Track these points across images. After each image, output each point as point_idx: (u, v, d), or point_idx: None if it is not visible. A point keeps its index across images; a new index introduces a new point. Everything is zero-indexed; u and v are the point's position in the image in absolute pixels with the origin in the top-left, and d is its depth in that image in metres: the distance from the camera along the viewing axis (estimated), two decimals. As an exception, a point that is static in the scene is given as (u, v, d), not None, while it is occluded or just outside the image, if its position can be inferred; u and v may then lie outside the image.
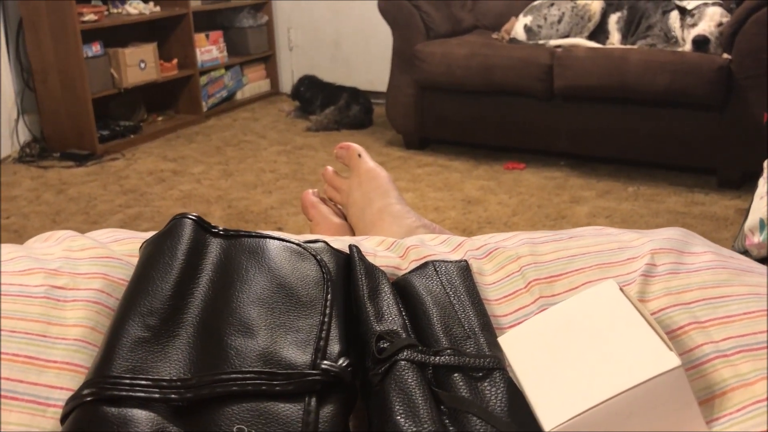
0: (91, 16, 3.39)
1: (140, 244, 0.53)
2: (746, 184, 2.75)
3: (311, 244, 0.53)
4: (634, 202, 2.73)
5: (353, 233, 0.96)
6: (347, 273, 0.53)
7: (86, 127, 3.40)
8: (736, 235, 1.76)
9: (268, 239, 0.52)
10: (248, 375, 0.40)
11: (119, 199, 2.89)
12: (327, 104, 3.93)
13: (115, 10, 3.70)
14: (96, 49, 3.44)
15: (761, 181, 1.51)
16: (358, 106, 3.88)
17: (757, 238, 1.39)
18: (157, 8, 3.84)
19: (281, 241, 0.52)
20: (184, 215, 0.52)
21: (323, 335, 0.44)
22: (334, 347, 0.44)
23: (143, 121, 3.88)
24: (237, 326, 0.44)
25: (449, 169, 3.15)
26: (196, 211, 2.74)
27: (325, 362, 0.42)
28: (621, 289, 0.41)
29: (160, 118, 3.97)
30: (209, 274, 0.47)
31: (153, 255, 0.48)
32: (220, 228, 0.52)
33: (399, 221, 0.90)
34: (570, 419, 0.36)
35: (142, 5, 3.75)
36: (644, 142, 2.88)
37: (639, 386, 0.35)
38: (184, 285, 0.46)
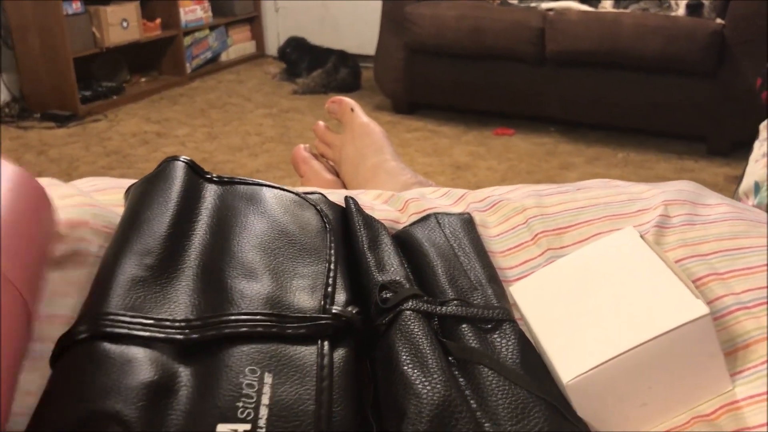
0: (71, -28, 3.28)
1: (125, 191, 0.50)
2: (735, 152, 2.75)
3: (308, 195, 0.51)
4: (624, 168, 2.71)
5: (345, 189, 0.93)
6: (346, 224, 0.50)
7: (67, 87, 3.32)
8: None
9: (264, 187, 0.49)
10: (257, 317, 0.37)
11: (102, 161, 2.84)
12: (314, 67, 3.87)
13: (96, -33, 3.59)
14: (76, 6, 3.34)
15: (756, 144, 1.49)
16: (346, 69, 3.82)
17: (751, 201, 1.38)
18: (140, -35, 3.73)
19: (278, 189, 0.50)
20: (175, 157, 0.49)
21: (330, 282, 0.42)
22: (341, 296, 0.42)
23: (126, 82, 3.79)
24: (240, 269, 0.41)
25: (438, 134, 3.11)
26: (181, 173, 2.69)
27: (336, 307, 0.40)
28: (642, 236, 0.39)
29: (143, 79, 3.88)
30: (206, 218, 0.44)
31: (146, 195, 0.45)
32: (214, 174, 0.49)
33: (394, 178, 0.87)
34: (589, 370, 0.34)
35: (123, -38, 3.64)
36: (635, 109, 2.86)
37: (665, 335, 0.33)
38: (181, 227, 0.43)
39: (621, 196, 0.53)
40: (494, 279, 0.45)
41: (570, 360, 0.34)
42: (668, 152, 2.85)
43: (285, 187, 0.50)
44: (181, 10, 3.91)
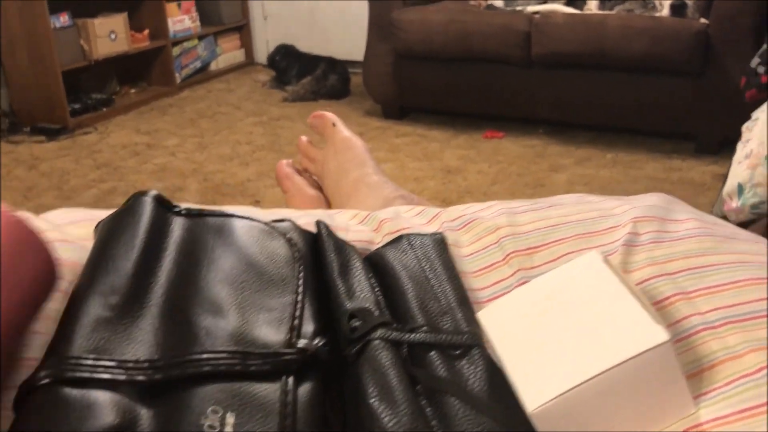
0: (57, -14, 3.28)
1: (95, 226, 0.50)
2: (723, 150, 2.76)
3: (278, 224, 0.51)
4: (613, 168, 2.72)
5: (329, 205, 0.93)
6: (316, 252, 0.50)
7: (57, 101, 3.32)
8: (714, 200, 1.75)
9: (233, 218, 0.49)
10: (221, 355, 0.38)
11: (92, 174, 2.83)
12: (303, 74, 3.87)
13: (82, -21, 3.59)
14: (64, 20, 3.34)
15: (739, 146, 1.50)
16: (335, 75, 3.82)
17: (735, 203, 1.38)
18: (127, -23, 3.73)
19: (247, 220, 0.50)
20: (143, 192, 0.49)
21: (297, 314, 0.42)
22: (309, 327, 0.42)
23: (115, 93, 3.79)
24: (206, 306, 0.41)
25: (428, 139, 3.12)
26: (172, 184, 2.69)
27: (302, 341, 0.40)
28: (605, 260, 0.39)
29: (132, 91, 3.88)
30: (173, 254, 0.44)
31: (112, 232, 0.45)
32: (182, 207, 0.50)
33: (376, 192, 0.87)
34: (553, 399, 0.34)
35: (110, -26, 3.64)
36: (623, 109, 2.87)
37: (626, 362, 0.33)
38: (148, 264, 0.43)
39: (592, 213, 0.53)
40: (464, 302, 0.46)
41: (534, 388, 0.35)
42: (657, 152, 2.86)
43: (254, 217, 0.51)
44: (169, 21, 3.91)
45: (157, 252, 0.44)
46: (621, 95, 2.84)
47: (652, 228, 0.49)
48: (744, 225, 1.45)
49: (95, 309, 0.39)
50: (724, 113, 2.66)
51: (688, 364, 0.39)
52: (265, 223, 0.50)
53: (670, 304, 0.43)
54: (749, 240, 0.49)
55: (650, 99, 2.80)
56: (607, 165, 2.76)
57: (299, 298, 0.43)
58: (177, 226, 0.47)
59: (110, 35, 3.54)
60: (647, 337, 0.34)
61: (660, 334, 0.34)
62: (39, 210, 2.02)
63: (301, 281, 0.44)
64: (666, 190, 2.49)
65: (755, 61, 2.00)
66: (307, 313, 0.42)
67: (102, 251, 0.43)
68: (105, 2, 3.65)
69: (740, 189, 1.33)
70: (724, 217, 1.43)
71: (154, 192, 0.49)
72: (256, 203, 2.49)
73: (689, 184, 2.56)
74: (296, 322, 0.41)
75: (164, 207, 0.49)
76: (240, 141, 3.18)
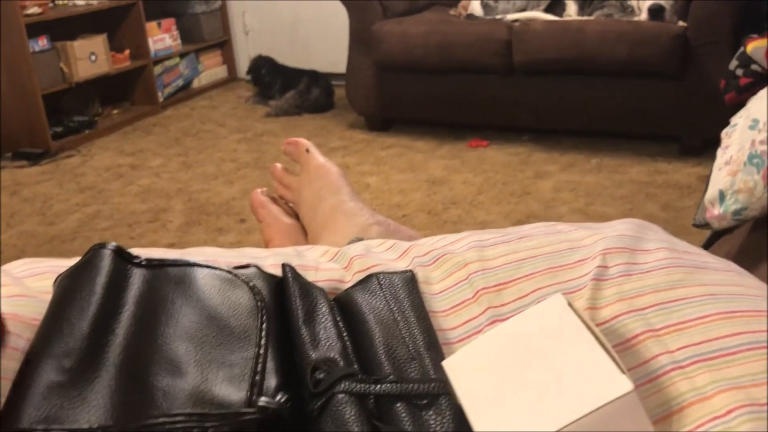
0: (34, 9, 3.27)
1: (54, 280, 0.49)
2: (708, 151, 2.77)
3: (242, 270, 0.50)
4: (598, 174, 2.73)
5: (305, 233, 0.92)
6: (282, 298, 0.49)
7: (38, 125, 3.30)
8: (698, 205, 1.75)
9: (195, 267, 0.48)
10: (177, 418, 0.37)
11: (76, 198, 2.81)
12: (287, 88, 3.87)
13: (60, 2, 3.57)
14: (43, 43, 3.32)
15: (719, 152, 1.51)
16: (318, 89, 3.82)
17: (717, 210, 1.39)
18: (105, -2, 3.72)
19: (209, 269, 0.49)
20: (102, 245, 0.48)
21: (259, 369, 0.41)
22: (272, 381, 0.41)
23: (98, 115, 3.77)
24: (164, 365, 0.40)
25: (413, 150, 3.11)
26: (156, 206, 2.68)
27: (263, 398, 0.39)
28: (569, 304, 0.39)
29: (115, 111, 3.87)
30: (131, 309, 0.43)
31: (68, 290, 0.44)
32: (143, 258, 0.49)
33: (351, 219, 0.86)
34: (518, 453, 0.33)
35: (88, -5, 3.63)
36: (606, 113, 2.87)
37: (590, 414, 0.33)
38: (104, 322, 0.42)
39: (561, 245, 0.53)
40: (433, 346, 0.45)
41: (498, 442, 0.34)
42: (642, 155, 2.87)
43: (216, 265, 0.49)
44: (150, 40, 3.89)
45: (115, 308, 0.43)
46: (603, 100, 2.85)
47: (622, 260, 0.49)
48: (727, 231, 1.45)
49: (48, 374, 0.37)
50: (706, 114, 2.67)
51: (658, 407, 0.38)
52: (228, 271, 0.49)
53: (639, 343, 0.42)
54: (719, 269, 0.48)
55: (632, 102, 2.81)
56: (592, 170, 2.77)
57: (261, 351, 0.42)
58: (136, 279, 0.46)
59: (90, 57, 3.52)
60: (611, 387, 0.33)
61: (624, 384, 0.33)
62: (22, 236, 2.00)
63: (263, 333, 0.43)
64: (651, 193, 2.50)
65: (733, 64, 2.01)
66: (270, 367, 0.41)
67: (57, 311, 0.42)
68: (84, 24, 3.64)
69: (722, 196, 1.33)
70: (707, 224, 1.43)
71: (113, 244, 0.48)
72: (241, 222, 2.48)
73: (674, 187, 2.57)
74: (257, 377, 0.40)
75: (124, 259, 0.48)
76: (224, 158, 3.17)
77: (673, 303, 0.44)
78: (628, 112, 2.83)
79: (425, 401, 0.40)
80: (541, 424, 0.33)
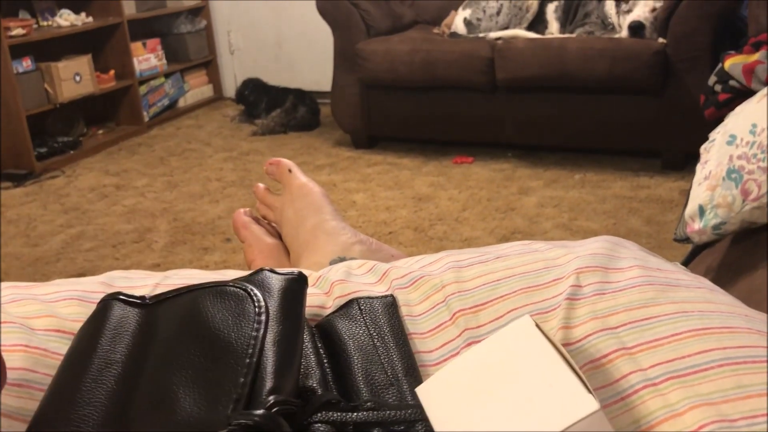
0: (18, 30, 3.27)
1: (39, 306, 0.50)
2: (689, 165, 2.80)
3: (254, 276, 0.49)
4: (581, 189, 2.75)
5: (288, 253, 0.92)
6: (297, 295, 0.48)
7: (22, 146, 3.28)
8: (678, 220, 1.77)
9: (194, 291, 0.48)
10: None
11: (60, 219, 2.80)
12: (272, 107, 3.88)
13: (44, 23, 3.58)
14: (27, 64, 3.32)
15: (698, 167, 1.53)
16: (304, 107, 3.84)
17: (697, 225, 1.40)
18: (90, 19, 3.72)
19: (209, 289, 0.48)
20: (109, 296, 0.49)
21: (241, 381, 0.40)
22: (266, 385, 0.40)
23: (83, 135, 3.76)
24: (151, 401, 0.40)
25: (399, 167, 3.13)
26: (141, 226, 2.67)
27: (242, 413, 0.38)
28: (537, 326, 0.39)
29: (100, 132, 3.86)
30: (123, 356, 0.44)
31: (71, 351, 0.45)
32: (147, 297, 0.49)
33: (334, 239, 0.87)
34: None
35: (73, 17, 3.63)
36: (588, 129, 2.90)
37: (558, 435, 0.33)
38: (101, 375, 0.43)
39: (537, 264, 0.53)
40: (411, 371, 0.45)
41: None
42: (624, 170, 2.90)
43: (218, 282, 0.48)
44: (135, 60, 3.90)
45: (111, 358, 0.44)
46: (585, 116, 2.88)
47: (595, 279, 0.49)
48: (708, 246, 1.47)
49: None
50: (687, 129, 2.71)
51: (630, 425, 0.39)
52: (224, 284, 0.48)
53: (610, 362, 0.42)
54: (691, 286, 0.49)
55: (614, 118, 2.84)
56: (575, 185, 2.79)
57: (253, 360, 0.41)
58: (132, 319, 0.47)
59: (75, 77, 3.52)
60: (578, 407, 0.33)
61: (591, 404, 0.33)
62: (6, 258, 1.98)
63: (258, 339, 0.42)
64: (634, 208, 2.53)
65: (712, 80, 2.04)
66: (265, 372, 0.40)
67: (54, 382, 0.43)
68: (68, 45, 3.64)
69: (701, 210, 1.35)
70: (687, 239, 1.45)
71: (115, 293, 0.49)
72: (227, 241, 2.47)
73: (657, 201, 2.59)
74: (245, 390, 0.39)
75: (126, 303, 0.48)
76: (210, 178, 3.17)
77: (646, 321, 0.45)
78: (610, 127, 2.86)
79: (402, 428, 0.40)
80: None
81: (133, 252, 2.45)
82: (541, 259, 0.54)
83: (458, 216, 2.58)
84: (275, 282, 0.47)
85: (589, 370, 0.42)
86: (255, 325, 0.44)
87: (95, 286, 0.58)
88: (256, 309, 0.45)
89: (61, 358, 0.46)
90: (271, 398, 0.39)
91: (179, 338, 0.44)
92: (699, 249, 1.46)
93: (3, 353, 0.45)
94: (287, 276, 0.48)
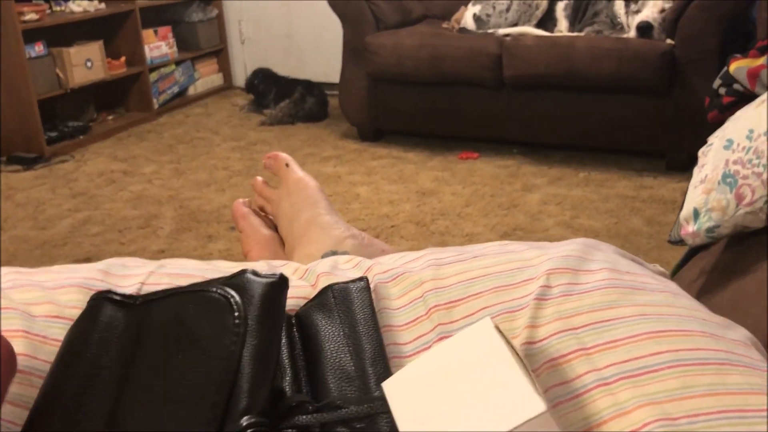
0: (32, 15, 3.30)
1: (39, 292, 0.52)
2: (694, 167, 2.81)
3: (235, 279, 0.50)
4: (585, 187, 2.76)
5: (283, 245, 0.95)
6: (276, 302, 0.50)
7: (33, 130, 3.32)
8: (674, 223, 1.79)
9: (180, 295, 0.50)
10: None
11: (68, 203, 2.84)
12: (281, 97, 3.90)
13: (57, 8, 3.61)
14: (39, 49, 3.36)
15: (696, 170, 1.55)
16: (313, 98, 3.86)
17: (691, 227, 1.42)
18: (102, 5, 3.75)
19: (193, 294, 0.50)
20: (98, 295, 0.51)
21: (223, 398, 0.42)
22: (240, 404, 0.41)
23: (93, 120, 3.80)
24: (135, 414, 0.42)
25: (404, 161, 3.15)
26: (147, 212, 2.70)
27: None
28: (496, 327, 0.42)
29: (110, 117, 3.90)
30: (111, 361, 0.46)
31: (61, 353, 0.47)
32: (136, 296, 0.51)
33: (327, 232, 0.89)
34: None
35: (86, 2, 3.66)
36: (594, 128, 2.91)
37: (506, 433, 0.35)
38: (91, 381, 0.45)
39: (511, 264, 0.55)
40: (378, 359, 0.47)
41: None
42: (628, 170, 2.91)
43: (202, 286, 0.50)
44: (146, 47, 3.93)
45: (100, 361, 0.46)
46: (591, 115, 2.89)
47: (564, 280, 0.52)
48: (702, 248, 1.49)
49: None
50: (693, 131, 2.71)
51: (580, 422, 0.41)
52: (208, 290, 0.49)
53: (568, 362, 0.45)
54: (655, 290, 0.51)
55: (620, 118, 2.85)
56: (579, 184, 2.80)
57: (228, 377, 0.43)
58: (120, 321, 0.49)
59: (86, 63, 3.55)
60: (526, 407, 0.36)
61: (537, 405, 0.36)
62: (14, 241, 2.01)
63: (233, 355, 0.44)
64: (636, 208, 2.54)
65: (717, 83, 2.04)
66: (241, 389, 0.42)
67: (45, 385, 0.45)
68: (81, 31, 3.67)
69: (696, 213, 1.37)
70: (681, 241, 1.47)
71: (104, 292, 0.51)
72: (231, 229, 2.50)
73: (659, 202, 2.60)
74: (217, 411, 0.41)
75: (116, 303, 0.50)
76: (217, 166, 3.20)
77: (606, 323, 0.47)
78: (615, 127, 2.87)
79: (364, 423, 0.43)
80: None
81: (139, 238, 2.49)
82: (516, 260, 0.56)
83: (461, 211, 2.60)
84: (256, 287, 0.49)
85: (548, 369, 0.45)
86: (233, 338, 0.45)
87: (94, 273, 0.61)
88: (235, 320, 0.46)
89: (60, 344, 0.49)
90: (244, 420, 0.40)
91: (162, 350, 0.46)
92: (694, 251, 1.48)
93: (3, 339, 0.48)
94: (269, 281, 0.50)
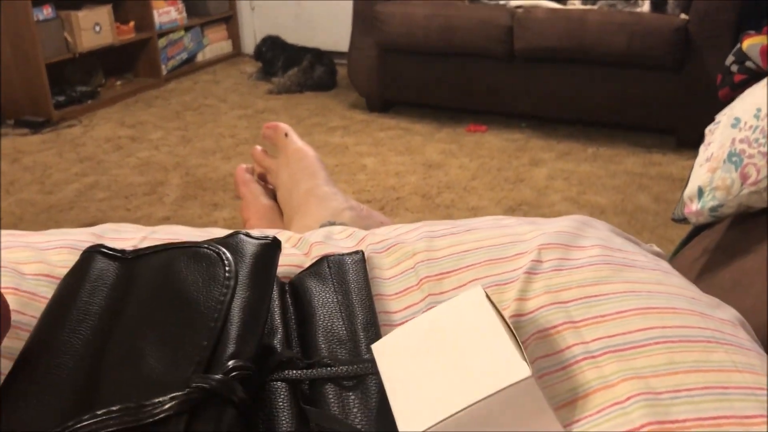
0: (40, -22, 3.28)
1: (30, 252, 0.53)
2: (703, 145, 2.78)
3: (229, 239, 0.51)
4: (593, 163, 2.74)
5: (282, 215, 0.95)
6: (268, 261, 0.50)
7: (41, 94, 3.32)
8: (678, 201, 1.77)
9: (171, 250, 0.50)
10: (113, 415, 0.39)
11: (75, 168, 2.84)
12: (290, 66, 3.87)
13: (66, -29, 3.58)
14: (47, 12, 3.34)
15: (702, 148, 1.53)
16: (322, 67, 3.83)
17: (695, 206, 1.42)
18: (111, -32, 3.72)
19: (184, 249, 0.50)
20: (91, 248, 0.51)
21: (210, 344, 0.43)
22: (227, 349, 0.42)
23: (101, 85, 3.79)
24: (121, 355, 0.43)
25: (411, 132, 3.13)
26: (154, 179, 2.71)
27: (201, 376, 0.41)
28: (487, 296, 0.42)
29: (118, 83, 3.89)
30: (100, 308, 0.46)
31: (54, 299, 0.48)
32: (128, 251, 0.51)
33: (325, 203, 0.89)
34: (426, 430, 0.36)
35: (94, -35, 3.63)
36: (604, 103, 2.88)
37: (491, 396, 0.36)
38: (79, 325, 0.45)
39: (504, 238, 0.55)
40: (369, 325, 0.48)
41: (408, 420, 0.37)
42: (638, 146, 2.88)
43: (193, 243, 0.51)
44: (155, 12, 3.90)
45: (89, 309, 0.46)
46: (602, 89, 2.86)
47: (555, 255, 0.52)
48: (706, 227, 1.48)
49: (19, 384, 0.41)
50: (704, 108, 2.68)
51: (565, 393, 0.41)
52: (199, 246, 0.50)
53: (558, 333, 0.45)
54: (646, 267, 0.51)
55: (631, 93, 2.81)
56: (587, 159, 2.78)
57: (217, 324, 0.43)
58: (111, 272, 0.49)
59: (95, 27, 3.54)
60: (510, 372, 0.36)
61: (522, 370, 0.36)
62: (20, 204, 2.03)
63: (223, 305, 0.45)
64: (644, 184, 2.52)
65: (729, 59, 2.01)
66: (228, 336, 0.42)
67: (40, 321, 0.46)
68: (89, -6, 3.65)
69: (700, 192, 1.36)
70: (684, 219, 1.46)
71: (97, 246, 0.51)
72: (237, 198, 2.51)
73: (667, 179, 2.58)
74: (206, 353, 0.42)
75: (108, 256, 0.51)
76: (224, 134, 3.19)
77: (595, 298, 0.47)
78: (626, 102, 2.84)
79: (352, 383, 0.43)
80: (447, 404, 0.36)
81: (144, 204, 2.50)
82: (508, 234, 0.56)
83: (467, 185, 2.59)
84: (249, 247, 0.50)
85: (537, 339, 0.45)
86: (223, 289, 0.46)
87: (86, 236, 0.61)
88: (226, 273, 0.47)
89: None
90: (231, 363, 0.41)
91: (152, 298, 0.47)
92: (699, 229, 1.47)
93: None
94: (261, 241, 0.51)
